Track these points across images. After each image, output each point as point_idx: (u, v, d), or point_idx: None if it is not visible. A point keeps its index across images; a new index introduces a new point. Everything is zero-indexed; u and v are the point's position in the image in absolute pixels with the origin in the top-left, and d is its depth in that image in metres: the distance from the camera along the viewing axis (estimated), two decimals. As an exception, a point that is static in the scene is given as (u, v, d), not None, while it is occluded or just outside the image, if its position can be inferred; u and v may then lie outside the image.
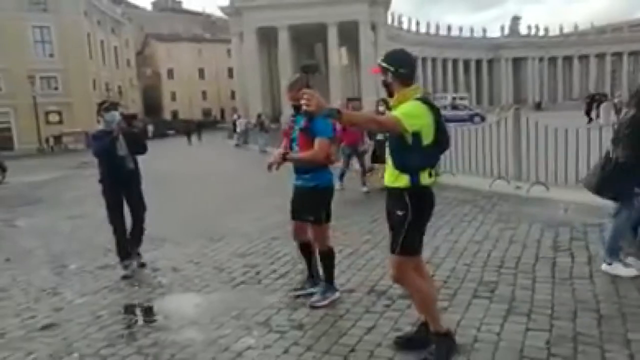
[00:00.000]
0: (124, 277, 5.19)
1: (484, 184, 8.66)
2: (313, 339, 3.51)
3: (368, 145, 9.68)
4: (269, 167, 3.98)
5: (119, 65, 58.26)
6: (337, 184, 9.63)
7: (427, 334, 3.21)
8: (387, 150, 3.02)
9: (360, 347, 3.33)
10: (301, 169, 3.97)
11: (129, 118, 5.35)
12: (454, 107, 40.78)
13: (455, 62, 74.87)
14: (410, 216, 2.91)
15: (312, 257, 4.26)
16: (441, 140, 2.98)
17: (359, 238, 6.00)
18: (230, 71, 67.95)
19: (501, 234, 5.81)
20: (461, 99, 52.64)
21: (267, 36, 51.94)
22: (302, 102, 2.71)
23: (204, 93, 76.09)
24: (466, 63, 76.38)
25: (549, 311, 3.66)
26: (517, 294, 4.03)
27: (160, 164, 17.18)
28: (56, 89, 44.37)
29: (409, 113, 2.81)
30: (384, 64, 2.97)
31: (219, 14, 61.58)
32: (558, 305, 3.75)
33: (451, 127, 10.98)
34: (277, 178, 4.35)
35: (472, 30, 78.41)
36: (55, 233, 7.98)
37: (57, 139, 41.74)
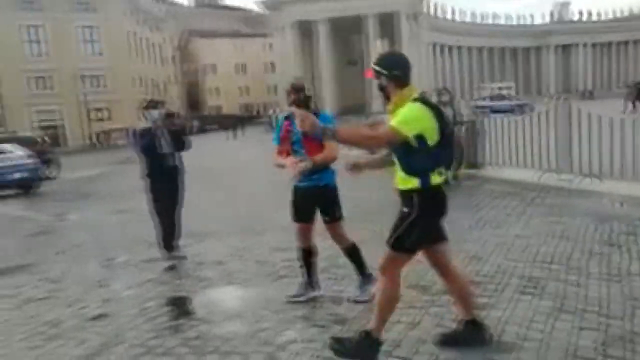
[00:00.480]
0: (169, 268, 5.33)
1: (531, 176, 8.39)
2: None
3: None
4: (296, 176, 3.87)
5: (161, 62, 59.61)
6: None
7: (473, 330, 3.13)
8: (394, 156, 2.98)
9: (404, 343, 3.27)
10: (312, 170, 3.87)
11: (169, 116, 5.52)
12: (500, 97, 39.74)
13: (500, 50, 72.85)
14: (414, 215, 2.89)
15: (314, 262, 4.19)
16: (447, 139, 2.93)
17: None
18: (269, 65, 68.48)
19: (550, 229, 5.60)
20: (507, 88, 51.21)
21: (305, 30, 51.96)
22: (296, 121, 2.80)
23: (244, 88, 77.00)
24: (512, 51, 74.19)
25: (602, 310, 3.50)
26: (568, 291, 3.87)
27: (203, 159, 17.49)
28: (104, 86, 45.90)
29: (406, 118, 2.77)
30: (376, 68, 2.92)
31: (258, 9, 62.05)
32: (612, 304, 3.58)
33: (497, 118, 10.87)
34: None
35: (518, 17, 76.12)
36: (102, 227, 8.25)
37: (104, 135, 43.24)
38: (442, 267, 3.16)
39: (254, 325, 3.76)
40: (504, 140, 9.44)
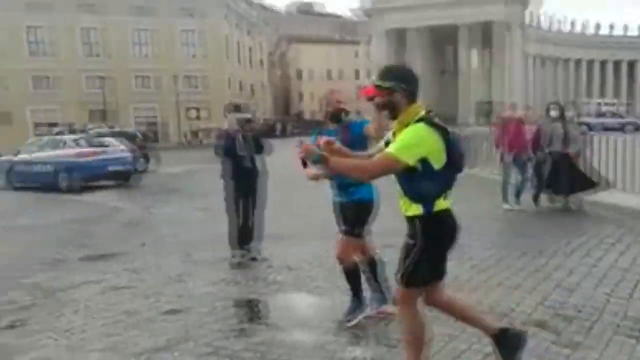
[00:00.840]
0: (236, 265, 5.58)
1: (632, 201, 7.66)
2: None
3: (541, 155, 8.07)
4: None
5: (253, 65, 61.63)
6: (514, 205, 8.17)
7: (503, 340, 2.86)
8: (396, 179, 2.73)
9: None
10: (346, 183, 3.74)
11: (245, 121, 5.70)
12: (600, 114, 37.08)
13: (603, 63, 67.88)
14: (419, 245, 2.66)
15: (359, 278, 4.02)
16: (455, 162, 2.66)
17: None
18: (357, 73, 68.75)
19: (654, 262, 5.05)
20: (607, 104, 47.65)
21: (397, 38, 51.61)
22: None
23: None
24: (616, 65, 68.83)
25: None
26: (673, 336, 3.43)
27: (285, 162, 17.79)
28: (196, 87, 48.28)
29: (408, 143, 2.55)
30: (388, 84, 2.66)
31: (349, 15, 62.52)
32: None
33: (595, 136, 10.08)
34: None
35: (625, 28, 70.50)
36: (186, 222, 8.58)
37: (195, 134, 45.48)
38: (438, 302, 2.90)
39: (321, 337, 3.68)
40: (604, 161, 8.71)
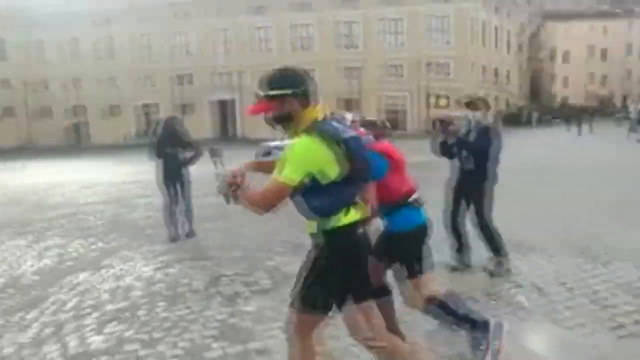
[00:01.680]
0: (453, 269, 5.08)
1: None
2: None
3: None
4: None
5: (510, 50, 57.72)
6: None
7: None
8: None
9: None
10: None
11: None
12: None
13: None
14: (320, 263, 2.42)
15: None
16: (355, 172, 2.38)
17: None
18: (629, 48, 58.51)
19: None
20: None
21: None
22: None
23: (594, 75, 68.16)
24: None
25: None
26: None
27: (539, 155, 15.92)
28: (448, 74, 47.49)
29: (295, 161, 2.30)
30: (278, 92, 2.36)
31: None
32: None
33: None
34: None
35: None
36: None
37: (440, 122, 45.00)
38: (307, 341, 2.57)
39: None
40: None
